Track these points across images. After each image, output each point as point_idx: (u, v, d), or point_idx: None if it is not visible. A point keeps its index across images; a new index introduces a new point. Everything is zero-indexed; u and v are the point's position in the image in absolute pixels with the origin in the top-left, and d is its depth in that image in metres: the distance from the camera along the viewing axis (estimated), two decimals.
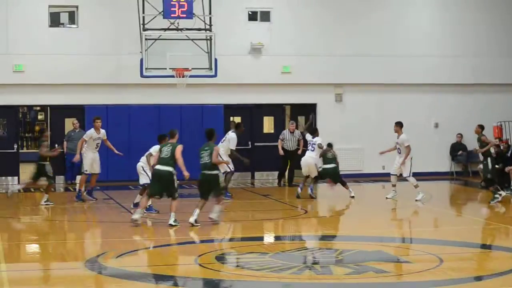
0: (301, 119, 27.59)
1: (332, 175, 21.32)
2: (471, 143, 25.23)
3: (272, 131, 26.64)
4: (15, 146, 25.44)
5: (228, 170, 20.34)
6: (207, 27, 23.07)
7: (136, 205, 18.96)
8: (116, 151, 20.71)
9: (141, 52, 22.43)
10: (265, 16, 26.38)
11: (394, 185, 21.17)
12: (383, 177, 24.61)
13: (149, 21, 22.74)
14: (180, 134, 17.57)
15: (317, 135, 21.47)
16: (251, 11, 26.34)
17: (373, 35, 26.72)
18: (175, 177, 16.41)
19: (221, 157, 18.68)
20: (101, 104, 25.02)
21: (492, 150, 22.10)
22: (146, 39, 22.41)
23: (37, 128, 35.69)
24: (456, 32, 27.48)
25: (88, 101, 25.10)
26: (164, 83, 24.00)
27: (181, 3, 22.27)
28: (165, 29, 22.77)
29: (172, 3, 22.26)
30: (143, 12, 22.78)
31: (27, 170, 25.97)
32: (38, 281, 12.29)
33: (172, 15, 22.40)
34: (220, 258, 13.39)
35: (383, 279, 11.86)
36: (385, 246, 14.62)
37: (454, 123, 27.30)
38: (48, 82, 24.58)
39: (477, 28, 27.55)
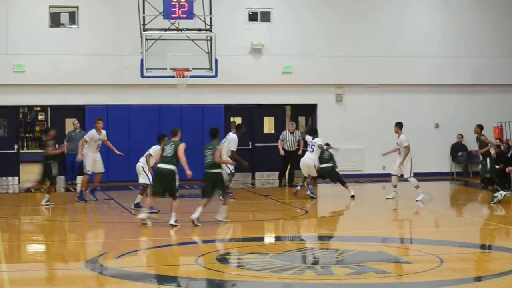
0: (302, 120, 27.60)
1: (329, 174, 21.41)
2: (472, 144, 25.25)
3: (273, 132, 26.64)
4: (16, 146, 25.45)
5: (229, 172, 20.34)
6: (208, 27, 23.06)
7: (137, 205, 18.98)
8: (116, 151, 20.73)
9: (141, 52, 22.41)
10: (266, 16, 26.39)
11: (395, 186, 21.16)
12: (383, 177, 24.61)
13: (150, 22, 22.72)
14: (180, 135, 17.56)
15: (317, 136, 21.50)
16: (251, 12, 26.35)
17: (374, 36, 26.72)
18: (177, 176, 16.41)
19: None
20: (102, 104, 25.05)
21: (492, 150, 22.16)
22: (146, 39, 22.39)
23: (37, 128, 35.65)
24: (457, 33, 27.49)
25: (88, 101, 25.11)
26: (164, 84, 24.01)
27: (181, 3, 22.26)
28: (165, 30, 22.75)
29: (172, 3, 22.24)
30: (144, 13, 22.77)
31: (27, 171, 26.10)
32: (38, 282, 12.29)
33: (173, 16, 22.38)
34: (221, 259, 13.38)
35: (384, 279, 11.86)
36: (385, 247, 14.63)
37: (455, 124, 27.30)
38: (48, 83, 24.59)
39: (478, 29, 27.55)
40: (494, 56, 27.62)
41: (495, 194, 20.14)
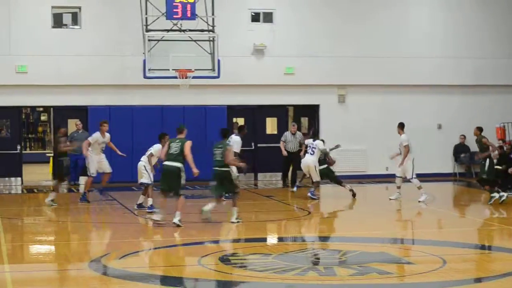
0: (304, 120, 27.60)
1: (328, 176, 21.49)
2: (474, 145, 25.14)
3: (275, 132, 26.63)
4: (18, 147, 25.47)
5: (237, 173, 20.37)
6: (210, 28, 23.07)
7: (140, 206, 18.98)
8: (119, 152, 20.71)
9: (144, 53, 22.42)
10: (268, 17, 26.40)
11: (398, 187, 21.13)
12: (386, 178, 24.59)
13: (152, 22, 22.74)
14: None
15: (318, 138, 21.56)
16: (253, 12, 26.36)
17: (376, 36, 26.73)
18: (183, 174, 16.42)
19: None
20: (104, 105, 25.07)
21: (495, 152, 22.11)
22: (149, 40, 22.41)
23: (40, 129, 35.72)
24: (458, 34, 27.49)
25: (91, 102, 25.13)
26: (167, 84, 24.03)
27: (184, 4, 22.27)
28: (168, 30, 22.78)
29: (175, 4, 22.26)
30: (146, 13, 22.80)
31: (30, 171, 26.14)
32: (41, 282, 12.29)
33: (175, 16, 22.41)
34: (224, 259, 13.38)
35: (387, 280, 11.86)
36: (388, 247, 14.62)
37: (457, 124, 27.29)
38: (51, 83, 24.61)
39: (480, 30, 27.56)
40: (496, 57, 27.62)
41: (492, 195, 20.16)
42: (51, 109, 27.49)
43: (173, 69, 22.30)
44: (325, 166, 21.43)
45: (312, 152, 21.12)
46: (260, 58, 26.10)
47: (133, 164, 19.48)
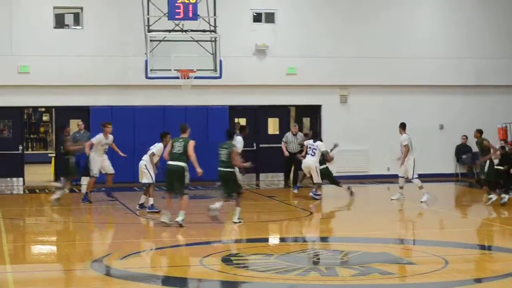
0: (306, 121, 27.59)
1: (327, 176, 21.53)
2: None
3: (277, 133, 26.63)
4: (20, 147, 25.47)
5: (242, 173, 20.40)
6: (212, 28, 23.07)
7: (141, 206, 18.97)
8: (121, 153, 20.70)
9: (145, 53, 22.43)
10: (270, 17, 26.40)
11: (401, 187, 21.13)
12: (388, 178, 24.57)
13: (154, 23, 22.75)
14: None
15: (319, 139, 21.56)
16: (255, 13, 26.36)
17: (378, 37, 26.72)
18: (187, 173, 16.40)
19: None
20: (106, 105, 25.08)
21: (497, 153, 22.08)
22: (151, 40, 22.42)
23: (42, 129, 35.73)
24: (460, 34, 27.49)
25: (93, 102, 25.14)
26: (169, 85, 24.03)
27: (186, 4, 22.27)
28: (170, 31, 22.78)
29: (177, 4, 22.26)
30: (148, 14, 22.80)
31: (32, 171, 26.14)
32: (43, 282, 12.30)
33: (177, 17, 22.41)
34: (225, 260, 13.38)
35: (388, 280, 11.86)
36: (390, 248, 14.61)
37: (459, 125, 27.28)
38: (53, 84, 24.62)
39: (482, 30, 27.55)
40: (497, 57, 27.61)
41: (489, 196, 20.18)
42: (53, 109, 27.51)
43: (175, 70, 22.30)
44: (325, 166, 21.39)
45: (313, 153, 21.12)
46: (262, 59, 26.10)
47: (135, 164, 19.48)
